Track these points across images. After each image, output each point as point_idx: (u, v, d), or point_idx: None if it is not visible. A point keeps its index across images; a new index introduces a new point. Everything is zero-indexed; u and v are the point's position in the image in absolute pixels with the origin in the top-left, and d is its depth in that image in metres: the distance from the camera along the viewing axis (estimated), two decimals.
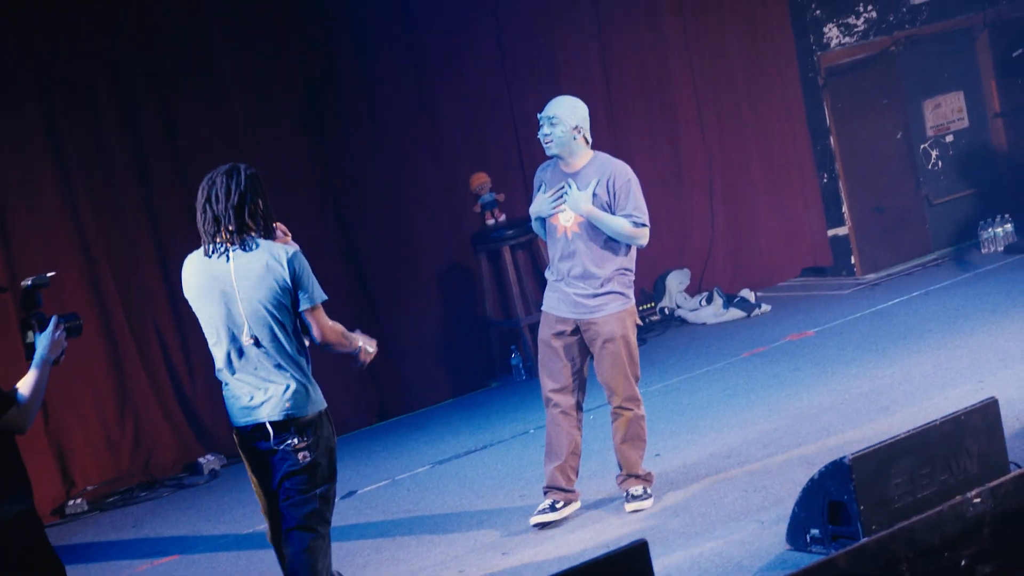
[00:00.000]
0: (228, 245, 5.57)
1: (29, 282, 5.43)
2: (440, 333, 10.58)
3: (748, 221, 12.11)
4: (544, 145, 7.18)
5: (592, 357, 7.22)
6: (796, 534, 6.20)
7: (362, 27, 10.28)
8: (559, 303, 7.19)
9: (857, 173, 12.24)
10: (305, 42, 10.08)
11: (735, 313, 11.42)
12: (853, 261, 12.23)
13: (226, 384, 5.71)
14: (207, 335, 5.72)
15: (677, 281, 11.68)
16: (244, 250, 5.56)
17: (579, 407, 7.26)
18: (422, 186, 10.53)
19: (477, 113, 10.86)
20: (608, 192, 7.07)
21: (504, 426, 9.40)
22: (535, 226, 7.39)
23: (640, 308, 10.61)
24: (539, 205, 7.24)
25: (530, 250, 10.97)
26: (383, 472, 8.84)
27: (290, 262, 5.55)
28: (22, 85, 9.09)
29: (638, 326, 7.31)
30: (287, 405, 5.57)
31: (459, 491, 8.17)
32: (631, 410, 7.20)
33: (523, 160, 10.85)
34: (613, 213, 7.06)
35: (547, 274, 7.33)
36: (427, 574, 6.91)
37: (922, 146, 12.50)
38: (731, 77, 11.96)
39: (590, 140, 7.21)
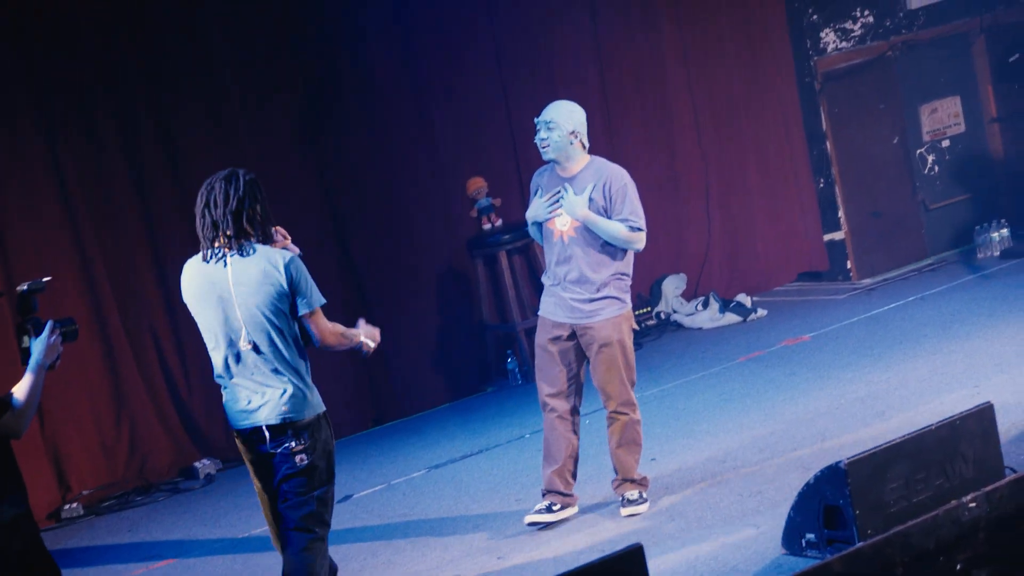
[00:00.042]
0: (226, 250, 5.59)
1: (25, 287, 5.43)
2: (436, 337, 10.58)
3: (744, 226, 12.12)
4: (541, 150, 7.18)
5: (588, 361, 7.22)
6: (792, 538, 6.20)
7: (359, 32, 10.28)
8: (555, 308, 7.20)
9: (853, 178, 12.26)
10: (302, 46, 10.09)
11: (731, 318, 11.43)
12: (849, 266, 12.25)
13: (224, 388, 5.73)
14: (206, 340, 5.74)
15: (673, 286, 11.69)
16: (242, 255, 5.58)
17: (576, 411, 7.27)
18: (419, 190, 10.53)
19: (474, 118, 10.87)
20: (604, 197, 7.07)
21: (500, 430, 9.40)
22: (532, 231, 7.39)
23: (636, 313, 10.61)
24: (535, 210, 7.25)
25: (526, 255, 10.98)
26: (379, 476, 8.84)
27: (287, 268, 5.57)
28: (19, 90, 9.09)
29: (634, 331, 7.31)
30: (284, 409, 5.59)
31: (455, 495, 8.17)
32: (627, 414, 7.20)
33: (520, 165, 10.86)
34: (609, 218, 7.06)
35: (544, 279, 7.34)
36: None
37: (918, 151, 12.52)
38: (728, 82, 11.97)
39: (587, 145, 7.21)
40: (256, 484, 5.78)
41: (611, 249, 7.11)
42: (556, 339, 7.19)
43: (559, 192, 7.14)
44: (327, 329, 5.69)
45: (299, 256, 5.78)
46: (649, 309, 11.57)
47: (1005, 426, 6.89)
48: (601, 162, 7.22)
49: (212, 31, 9.72)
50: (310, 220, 9.86)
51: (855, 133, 12.22)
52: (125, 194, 9.47)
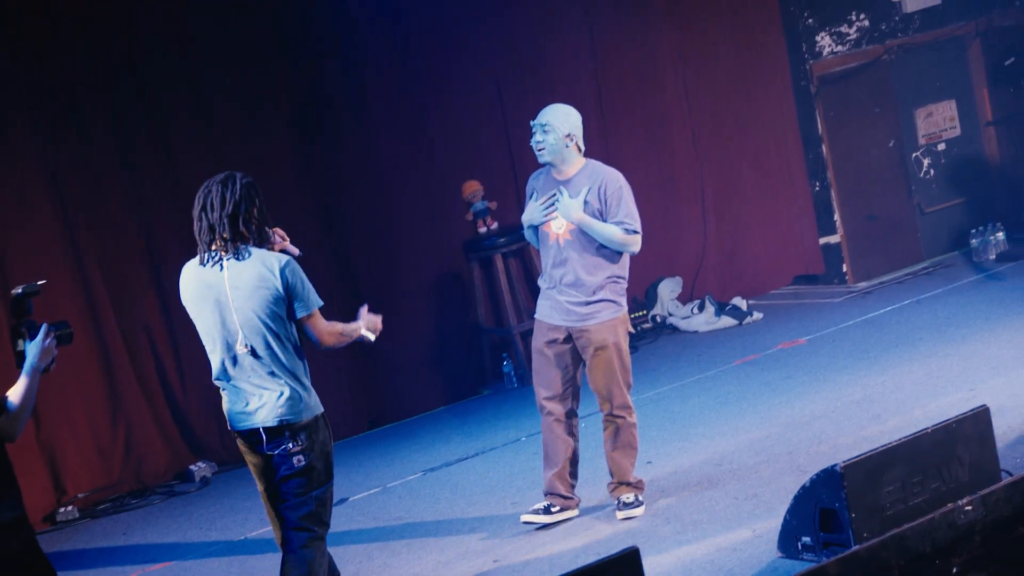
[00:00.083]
0: (223, 254, 5.61)
1: (20, 290, 5.43)
2: (432, 341, 10.57)
3: (740, 229, 12.12)
4: (536, 152, 7.18)
5: (585, 364, 7.22)
6: (788, 541, 6.20)
7: (351, 37, 10.27)
8: (551, 311, 7.20)
9: (849, 181, 12.26)
10: (295, 50, 10.07)
11: (727, 321, 11.43)
12: (845, 269, 12.25)
13: (223, 390, 5.77)
14: (204, 342, 5.78)
15: (669, 289, 11.69)
16: (238, 259, 5.60)
17: (573, 414, 7.27)
18: (414, 194, 10.53)
19: (469, 121, 10.86)
20: (600, 199, 7.07)
21: (496, 433, 9.40)
22: (528, 234, 7.39)
23: (632, 316, 10.60)
24: (531, 213, 7.25)
25: (522, 258, 10.98)
26: (375, 479, 8.83)
27: (282, 272, 5.58)
28: (14, 96, 9.09)
29: (630, 334, 7.31)
30: (281, 411, 5.62)
31: (451, 498, 8.17)
32: (623, 418, 7.21)
33: (515, 168, 10.86)
34: (605, 221, 7.06)
35: (540, 282, 7.34)
36: None
37: (914, 154, 12.52)
38: (723, 85, 11.97)
39: (583, 148, 7.21)
40: (259, 485, 5.83)
41: (607, 252, 7.11)
42: (552, 342, 7.19)
43: (554, 195, 7.14)
44: (325, 330, 5.71)
45: (300, 256, 5.81)
46: (645, 312, 11.57)
47: (1001, 429, 6.89)
48: (596, 165, 7.22)
49: (205, 37, 9.70)
50: (305, 225, 9.84)
51: (851, 136, 12.23)
52: (120, 198, 9.46)
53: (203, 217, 5.62)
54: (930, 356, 9.29)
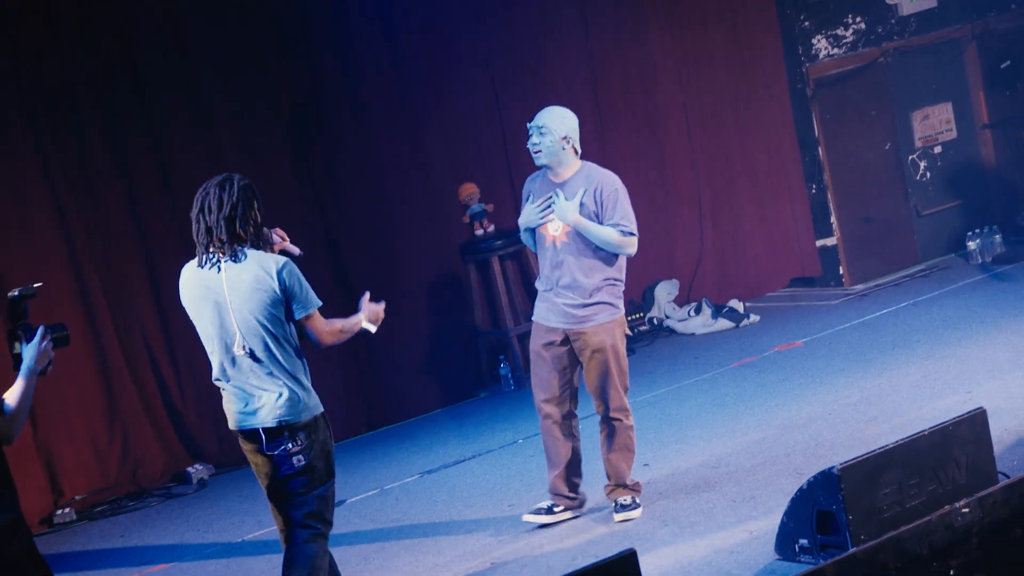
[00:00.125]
0: (220, 256, 5.64)
1: (16, 293, 5.43)
2: (429, 343, 10.58)
3: (737, 232, 12.13)
4: (533, 155, 7.19)
5: (582, 367, 7.22)
6: (785, 544, 6.21)
7: (347, 41, 10.27)
8: (548, 313, 7.20)
9: (845, 184, 12.27)
10: (291, 54, 10.07)
11: (724, 323, 11.44)
12: (841, 272, 12.26)
13: (223, 391, 5.81)
14: (204, 343, 5.81)
15: (666, 291, 11.70)
16: (235, 261, 5.62)
17: (571, 415, 7.28)
18: (410, 197, 10.52)
19: (465, 124, 10.87)
20: (595, 202, 7.07)
21: (493, 436, 9.40)
22: (524, 237, 7.39)
23: (629, 318, 10.61)
24: (527, 216, 7.25)
25: (519, 260, 10.98)
26: (372, 481, 8.83)
27: (279, 274, 5.60)
28: (9, 101, 9.08)
29: (627, 336, 7.31)
30: (280, 412, 5.65)
31: (448, 500, 8.17)
32: (620, 420, 7.21)
33: (512, 170, 10.86)
34: (601, 223, 7.06)
35: (537, 284, 7.34)
36: None
37: (910, 157, 12.53)
38: (719, 88, 11.98)
39: (580, 151, 7.22)
40: (261, 483, 5.85)
41: (603, 254, 7.11)
42: (549, 344, 7.19)
43: (550, 198, 7.15)
44: (325, 330, 5.74)
45: (301, 255, 5.83)
46: (642, 315, 11.57)
47: (998, 431, 6.90)
48: (592, 167, 7.22)
49: (204, 38, 9.70)
50: (301, 228, 9.81)
51: (847, 139, 12.24)
52: (117, 200, 9.46)
53: (201, 219, 5.65)
54: (927, 358, 9.30)
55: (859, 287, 12.06)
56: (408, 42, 10.55)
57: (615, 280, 7.17)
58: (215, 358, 5.74)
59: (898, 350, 9.69)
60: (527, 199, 7.31)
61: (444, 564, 7.08)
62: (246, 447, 5.81)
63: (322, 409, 5.77)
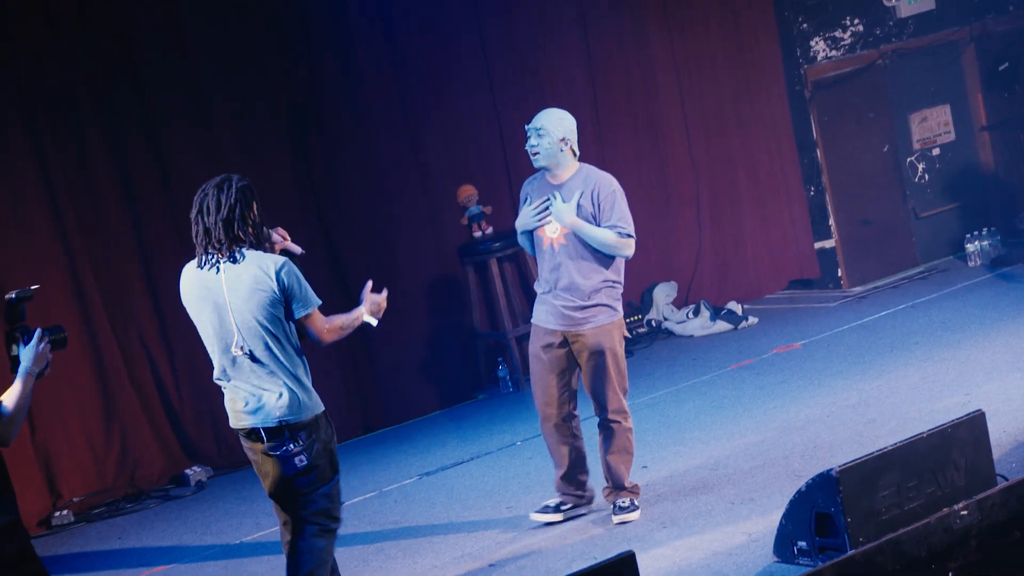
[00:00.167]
0: (219, 257, 5.66)
1: (13, 295, 5.43)
2: (427, 345, 10.57)
3: (735, 234, 12.12)
4: (531, 157, 7.19)
5: (581, 369, 7.22)
6: (783, 546, 6.21)
7: (347, 41, 10.27)
8: (547, 315, 7.20)
9: (844, 186, 12.27)
10: (290, 55, 10.06)
11: (722, 326, 11.43)
12: (840, 274, 12.26)
13: (224, 390, 5.84)
14: (206, 344, 5.84)
15: (664, 294, 11.69)
16: (233, 262, 5.65)
17: (571, 416, 7.29)
18: (409, 199, 10.52)
19: (464, 126, 10.86)
20: (593, 203, 7.07)
21: (491, 438, 9.39)
22: (521, 240, 7.39)
23: (627, 320, 10.61)
24: (523, 218, 7.26)
25: (517, 262, 10.98)
26: (370, 483, 8.83)
27: (278, 274, 5.63)
28: (10, 106, 9.08)
29: (626, 338, 7.31)
30: (280, 412, 5.68)
31: (446, 502, 8.16)
32: (619, 422, 7.21)
33: (510, 172, 10.86)
34: (598, 224, 7.06)
35: (536, 287, 7.34)
36: None
37: (908, 159, 12.53)
38: (718, 90, 11.98)
39: (578, 152, 7.22)
40: (263, 483, 5.89)
41: (601, 256, 7.11)
42: (548, 347, 7.19)
43: (547, 200, 7.15)
44: (324, 329, 5.77)
45: (303, 254, 5.85)
46: (640, 317, 11.57)
47: (996, 434, 6.90)
48: (590, 169, 7.23)
49: (203, 38, 9.69)
50: (300, 228, 9.78)
51: (845, 141, 12.24)
52: (115, 201, 9.45)
53: (199, 221, 5.69)
54: (925, 360, 9.30)
55: (857, 289, 12.06)
56: (408, 42, 10.55)
57: (613, 282, 7.17)
58: (216, 358, 5.78)
59: (897, 352, 9.69)
60: (524, 202, 7.31)
61: (442, 566, 7.08)
62: (247, 446, 5.84)
63: (323, 408, 5.80)
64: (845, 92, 12.19)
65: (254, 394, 5.69)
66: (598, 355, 7.10)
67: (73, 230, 9.25)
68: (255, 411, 5.69)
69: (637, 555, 5.07)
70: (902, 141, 12.46)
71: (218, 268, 5.65)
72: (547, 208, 7.14)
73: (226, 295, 5.63)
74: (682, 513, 7.18)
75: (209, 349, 5.82)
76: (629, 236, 7.10)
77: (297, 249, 5.89)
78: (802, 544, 6.08)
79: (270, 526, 7.91)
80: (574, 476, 7.32)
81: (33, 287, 5.57)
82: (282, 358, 5.67)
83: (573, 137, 7.17)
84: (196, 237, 5.69)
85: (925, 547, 5.10)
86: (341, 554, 7.25)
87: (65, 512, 9.02)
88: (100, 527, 8.94)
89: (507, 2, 11.04)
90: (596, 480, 7.48)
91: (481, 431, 9.66)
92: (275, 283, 5.60)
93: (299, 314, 5.67)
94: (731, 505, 7.16)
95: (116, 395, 9.36)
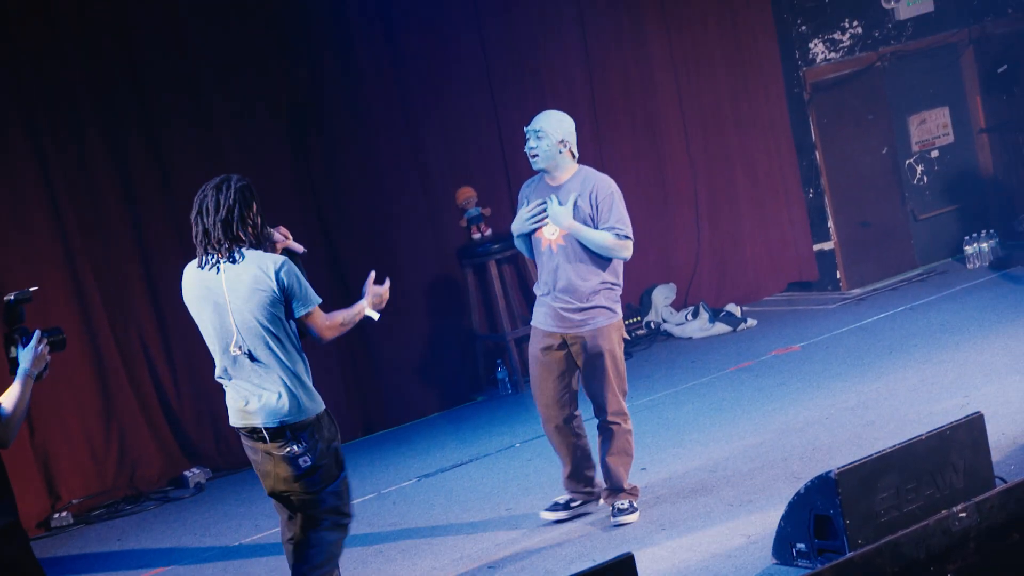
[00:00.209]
0: (219, 257, 5.68)
1: (12, 297, 5.44)
2: (426, 347, 10.57)
3: (733, 233, 12.13)
4: (530, 159, 7.19)
5: (580, 371, 7.23)
6: (782, 548, 6.21)
7: (347, 41, 10.27)
8: (546, 317, 7.21)
9: (842, 188, 12.28)
10: (290, 56, 10.07)
11: (721, 327, 11.44)
12: (839, 276, 12.26)
13: (225, 389, 5.86)
14: (207, 343, 5.87)
15: (663, 295, 11.69)
16: (233, 262, 5.67)
17: (572, 417, 7.30)
18: (408, 200, 10.52)
19: (463, 127, 10.86)
20: (591, 205, 7.08)
21: (490, 440, 9.39)
22: (517, 243, 7.39)
23: (626, 322, 10.61)
24: (518, 222, 7.26)
25: (516, 264, 10.98)
26: (369, 485, 8.83)
27: (277, 274, 5.64)
28: (10, 106, 9.08)
29: (625, 340, 7.32)
30: (280, 412, 5.70)
31: (445, 504, 8.16)
32: (618, 424, 7.21)
33: (509, 174, 10.86)
34: (596, 226, 7.06)
35: (535, 289, 7.35)
36: None
37: (907, 161, 12.54)
38: (717, 92, 11.98)
39: (576, 154, 7.22)
40: (263, 483, 5.90)
41: (599, 258, 7.11)
42: (547, 348, 7.20)
43: (543, 203, 7.16)
44: (325, 326, 5.79)
45: (304, 253, 5.86)
46: (639, 319, 11.57)
47: (995, 436, 6.90)
48: (588, 171, 7.23)
49: (203, 38, 9.70)
50: (300, 230, 9.72)
51: (844, 143, 12.24)
52: (115, 201, 9.45)
53: (199, 222, 5.71)
54: (924, 363, 9.30)
55: (856, 291, 12.07)
56: (408, 42, 10.56)
57: (612, 284, 7.17)
58: (217, 357, 5.81)
59: (895, 354, 9.69)
60: (522, 205, 7.31)
61: (441, 568, 7.08)
62: (247, 444, 5.85)
63: (324, 407, 5.82)
64: (844, 94, 12.19)
65: (255, 393, 5.71)
66: (597, 357, 7.11)
67: (73, 230, 9.26)
68: (256, 411, 5.71)
69: (636, 557, 5.08)
70: (901, 143, 12.47)
71: (218, 268, 5.67)
72: (543, 211, 7.15)
73: (226, 295, 5.65)
74: (681, 515, 7.18)
75: (211, 348, 5.84)
76: (627, 238, 7.10)
77: (299, 248, 5.91)
78: (801, 546, 6.08)
79: (269, 528, 7.92)
80: (581, 473, 7.35)
81: (32, 289, 5.58)
82: (282, 357, 5.69)
83: (572, 139, 7.17)
84: (196, 238, 5.71)
85: (924, 549, 5.10)
86: (340, 556, 7.27)
87: (64, 514, 9.02)
88: (99, 529, 8.94)
89: (507, 2, 11.05)
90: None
91: (480, 433, 9.66)
92: (275, 283, 5.62)
93: (299, 313, 5.69)
94: (730, 507, 7.16)
95: (115, 393, 9.36)
